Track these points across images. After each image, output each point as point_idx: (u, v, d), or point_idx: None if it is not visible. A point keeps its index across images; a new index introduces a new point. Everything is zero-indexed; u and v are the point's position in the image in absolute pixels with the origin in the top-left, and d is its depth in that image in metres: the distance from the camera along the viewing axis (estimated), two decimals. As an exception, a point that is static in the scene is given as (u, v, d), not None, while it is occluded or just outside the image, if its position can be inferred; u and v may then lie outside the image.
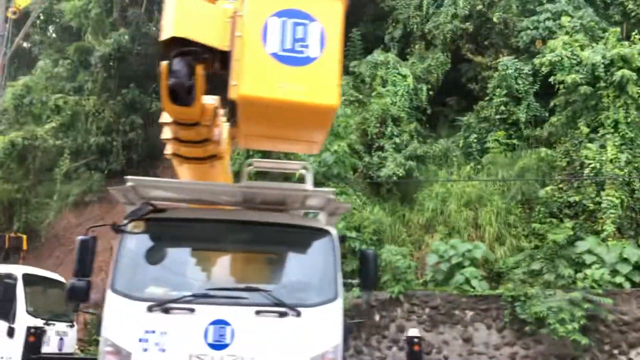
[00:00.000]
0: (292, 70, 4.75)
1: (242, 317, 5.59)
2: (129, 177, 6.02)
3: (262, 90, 4.72)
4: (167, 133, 6.03)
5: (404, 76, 20.24)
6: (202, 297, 5.64)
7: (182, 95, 4.90)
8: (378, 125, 18.86)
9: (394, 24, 23.60)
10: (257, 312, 5.61)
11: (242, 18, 4.88)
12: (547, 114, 18.09)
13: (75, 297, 6.06)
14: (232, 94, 4.81)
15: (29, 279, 11.65)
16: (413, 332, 9.33)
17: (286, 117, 4.93)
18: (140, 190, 6.10)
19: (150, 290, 5.85)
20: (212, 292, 5.71)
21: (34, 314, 11.46)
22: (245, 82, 4.72)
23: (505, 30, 20.53)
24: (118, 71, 25.80)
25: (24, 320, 11.21)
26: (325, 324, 5.77)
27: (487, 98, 19.02)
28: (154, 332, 5.49)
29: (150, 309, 5.55)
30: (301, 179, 13.21)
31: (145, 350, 5.44)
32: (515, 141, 18.10)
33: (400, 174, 17.17)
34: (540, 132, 17.88)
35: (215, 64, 5.13)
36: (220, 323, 5.54)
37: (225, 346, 5.49)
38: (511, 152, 17.84)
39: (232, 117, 5.41)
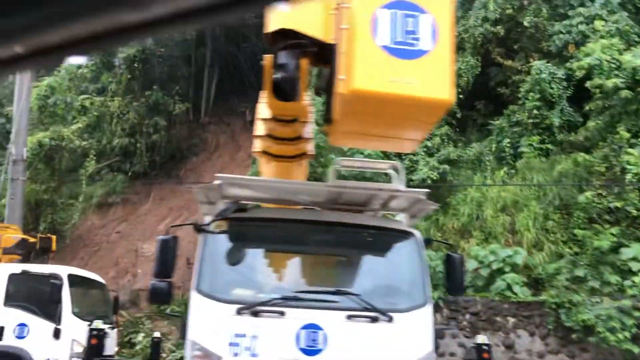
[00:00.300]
0: (404, 64, 4.56)
1: (334, 322, 5.39)
2: (218, 174, 5.83)
3: (375, 84, 4.53)
4: (260, 129, 5.85)
5: (434, 80, 20.04)
6: (293, 300, 5.44)
7: (288, 90, 4.72)
8: (409, 128, 18.65)
9: (420, 28, 23.46)
10: (349, 317, 5.41)
11: (350, 10, 4.70)
12: (580, 119, 17.90)
13: (158, 299, 5.88)
14: (341, 88, 4.62)
15: (72, 280, 11.45)
16: (481, 339, 9.07)
17: (396, 112, 4.74)
18: (223, 188, 5.92)
19: (236, 292, 5.67)
20: (302, 295, 5.50)
21: (78, 315, 11.27)
22: (357, 76, 4.52)
23: (536, 34, 20.36)
24: (142, 73, 25.72)
25: (69, 321, 11.04)
26: (417, 330, 5.57)
27: (519, 102, 18.83)
28: (244, 335, 5.29)
29: (239, 311, 5.36)
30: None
31: (236, 354, 5.24)
32: (549, 146, 17.90)
33: (435, 178, 17.00)
34: (574, 137, 17.67)
35: (315, 57, 4.95)
36: (312, 327, 5.33)
37: (318, 351, 5.28)
38: (545, 157, 17.64)
39: (326, 114, 5.21)
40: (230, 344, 5.28)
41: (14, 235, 14.27)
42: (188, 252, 22.02)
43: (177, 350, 15.52)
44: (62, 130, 21.38)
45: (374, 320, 5.43)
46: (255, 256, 6.09)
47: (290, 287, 5.80)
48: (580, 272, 13.58)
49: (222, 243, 5.82)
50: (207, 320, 5.44)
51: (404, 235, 6.08)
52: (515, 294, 13.71)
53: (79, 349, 10.91)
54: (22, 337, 10.86)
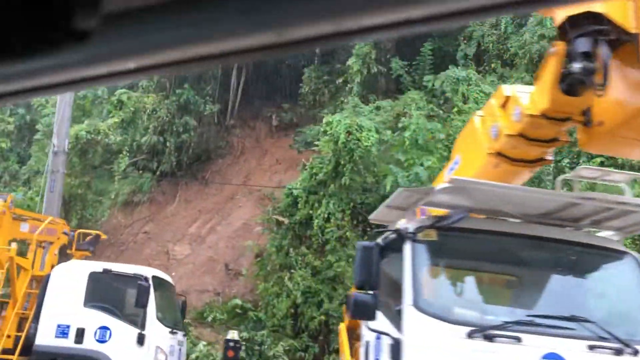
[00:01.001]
0: None
1: (576, 352, 4.74)
2: (453, 176, 5.13)
3: None
4: (512, 127, 5.14)
5: (487, 94, 19.68)
6: (528, 325, 4.78)
7: (582, 83, 4.08)
8: (464, 142, 18.17)
9: (465, 41, 23.23)
10: (590, 347, 4.77)
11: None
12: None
13: (362, 313, 5.16)
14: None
15: (155, 282, 10.55)
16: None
17: None
18: (442, 192, 5.20)
19: (461, 311, 4.99)
20: (539, 320, 4.85)
21: (161, 320, 10.41)
22: None
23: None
24: (174, 69, 24.98)
25: (154, 327, 10.17)
26: None
27: (578, 122, 18.44)
28: None
29: (470, 334, 4.68)
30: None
31: None
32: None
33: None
34: (638, 161, 17.26)
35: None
36: (554, 357, 4.68)
37: None
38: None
39: (587, 114, 4.58)
40: None
41: (63, 229, 13.37)
42: (226, 257, 21.27)
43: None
44: (99, 124, 20.54)
45: (618, 352, 4.79)
46: (472, 271, 5.41)
47: (517, 310, 5.15)
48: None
49: (432, 254, 5.13)
50: (433, 342, 4.75)
51: (624, 256, 5.46)
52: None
53: (162, 358, 10.07)
54: (104, 342, 9.97)
